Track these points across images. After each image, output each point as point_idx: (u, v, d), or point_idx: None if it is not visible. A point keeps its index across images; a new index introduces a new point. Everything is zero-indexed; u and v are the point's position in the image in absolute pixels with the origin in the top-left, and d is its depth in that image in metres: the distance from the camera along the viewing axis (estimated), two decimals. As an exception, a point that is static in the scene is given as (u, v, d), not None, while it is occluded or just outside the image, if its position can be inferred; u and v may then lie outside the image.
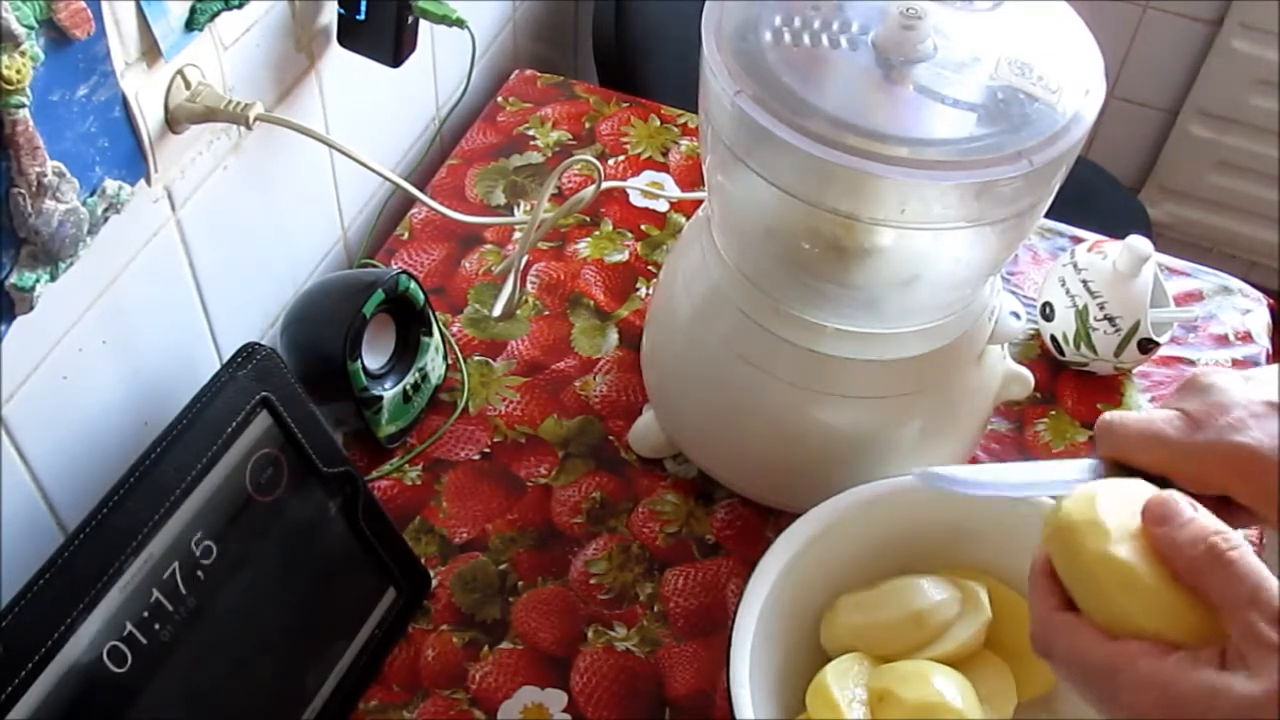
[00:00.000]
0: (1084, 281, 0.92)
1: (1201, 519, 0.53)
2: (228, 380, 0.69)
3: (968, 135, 0.66)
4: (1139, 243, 0.90)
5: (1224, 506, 0.57)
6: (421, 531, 0.86)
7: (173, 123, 0.72)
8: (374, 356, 0.87)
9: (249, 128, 0.74)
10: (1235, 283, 1.05)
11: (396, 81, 0.95)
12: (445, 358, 0.93)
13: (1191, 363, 0.99)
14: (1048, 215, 0.75)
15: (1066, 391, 0.96)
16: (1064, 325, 0.93)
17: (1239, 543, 0.51)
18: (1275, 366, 0.60)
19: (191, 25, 0.70)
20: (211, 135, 0.78)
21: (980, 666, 0.71)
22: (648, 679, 0.80)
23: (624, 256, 1.03)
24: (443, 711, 0.77)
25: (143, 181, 0.72)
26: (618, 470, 0.90)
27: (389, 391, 0.87)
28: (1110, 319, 0.91)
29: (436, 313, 0.92)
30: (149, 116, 0.70)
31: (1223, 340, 1.00)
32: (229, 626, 0.69)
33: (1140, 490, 0.57)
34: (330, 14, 0.87)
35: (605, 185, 1.06)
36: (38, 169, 0.59)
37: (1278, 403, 0.57)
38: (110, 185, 0.67)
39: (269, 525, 0.71)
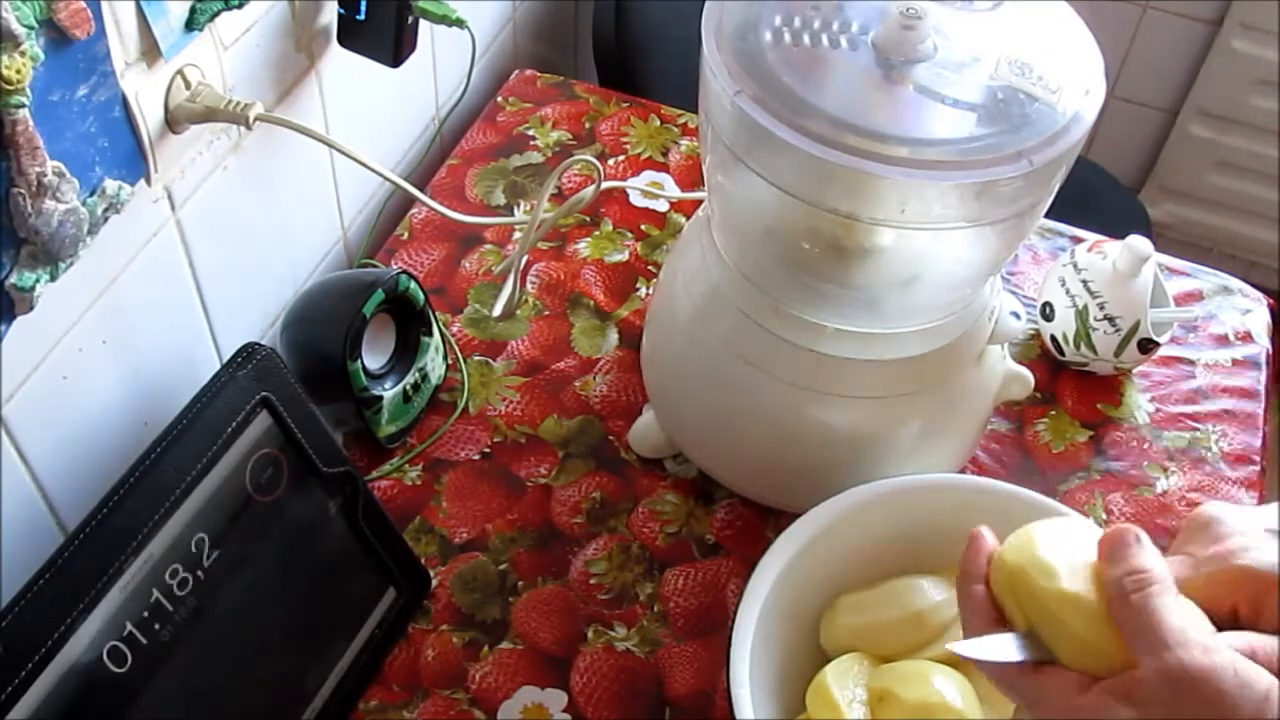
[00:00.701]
0: (1084, 281, 0.92)
1: (1135, 557, 0.54)
2: (228, 380, 0.69)
3: (968, 135, 0.66)
4: (1139, 243, 0.90)
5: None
6: (421, 531, 0.86)
7: (173, 123, 0.72)
8: (374, 356, 0.87)
9: (249, 128, 0.74)
10: (1235, 283, 1.05)
11: (396, 81, 0.95)
12: (445, 358, 0.93)
13: (1191, 363, 0.99)
14: (1048, 215, 0.75)
15: (1066, 391, 0.96)
16: (1064, 325, 0.93)
17: (1155, 587, 0.53)
18: (1276, 504, 0.62)
19: (191, 25, 0.70)
20: (211, 135, 0.78)
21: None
22: (648, 679, 0.80)
23: (624, 256, 1.03)
24: (443, 711, 0.77)
25: (143, 181, 0.72)
26: (618, 470, 0.90)
27: (389, 391, 0.87)
28: (1110, 319, 0.91)
29: (436, 313, 0.92)
30: (149, 116, 0.70)
31: (1223, 340, 1.00)
32: (229, 626, 0.69)
33: (1076, 526, 0.60)
34: (330, 14, 0.87)
35: (605, 185, 1.06)
36: (38, 169, 0.59)
37: (1277, 529, 0.59)
38: (110, 185, 0.67)
39: (269, 525, 0.71)
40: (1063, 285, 0.94)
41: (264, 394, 0.71)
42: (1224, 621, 0.56)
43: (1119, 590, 0.54)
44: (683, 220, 1.06)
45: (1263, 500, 0.91)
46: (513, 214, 1.06)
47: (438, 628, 0.81)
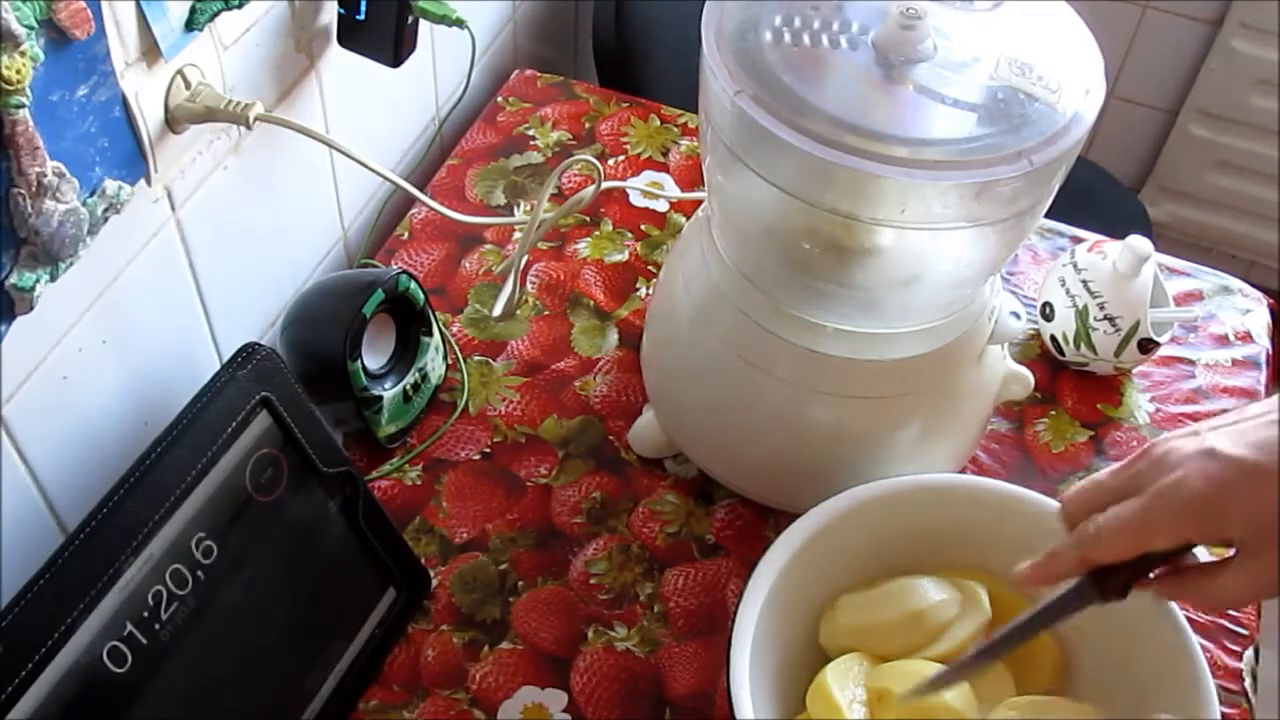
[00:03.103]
0: (1084, 281, 0.92)
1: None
2: (228, 380, 0.69)
3: (968, 135, 0.66)
4: (1139, 243, 0.90)
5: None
6: (421, 531, 0.86)
7: (173, 123, 0.72)
8: (374, 356, 0.87)
9: (249, 128, 0.74)
10: (1235, 283, 1.05)
11: (396, 81, 0.95)
12: (445, 358, 0.93)
13: (1191, 363, 0.99)
14: (1048, 215, 0.75)
15: (1066, 391, 0.96)
16: (1064, 325, 0.93)
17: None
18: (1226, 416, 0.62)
19: (191, 25, 0.70)
20: (211, 135, 0.78)
21: (980, 666, 0.71)
22: (648, 679, 0.80)
23: (624, 256, 1.03)
24: (443, 711, 0.77)
25: (143, 181, 0.72)
26: (618, 470, 0.90)
27: (389, 391, 0.87)
28: (1110, 319, 0.91)
29: (436, 313, 0.92)
30: (149, 116, 0.70)
31: (1223, 340, 1.00)
32: (229, 627, 0.69)
33: None
34: (330, 14, 0.87)
35: (605, 185, 1.06)
36: (38, 169, 0.59)
37: (1210, 448, 0.59)
38: (110, 185, 0.67)
39: (269, 525, 0.71)
40: (1063, 285, 0.94)
41: (264, 394, 0.71)
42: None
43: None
44: (683, 220, 1.06)
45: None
46: (513, 214, 1.06)
47: (438, 628, 0.81)
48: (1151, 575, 0.62)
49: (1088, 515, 0.62)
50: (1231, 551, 0.59)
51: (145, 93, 0.69)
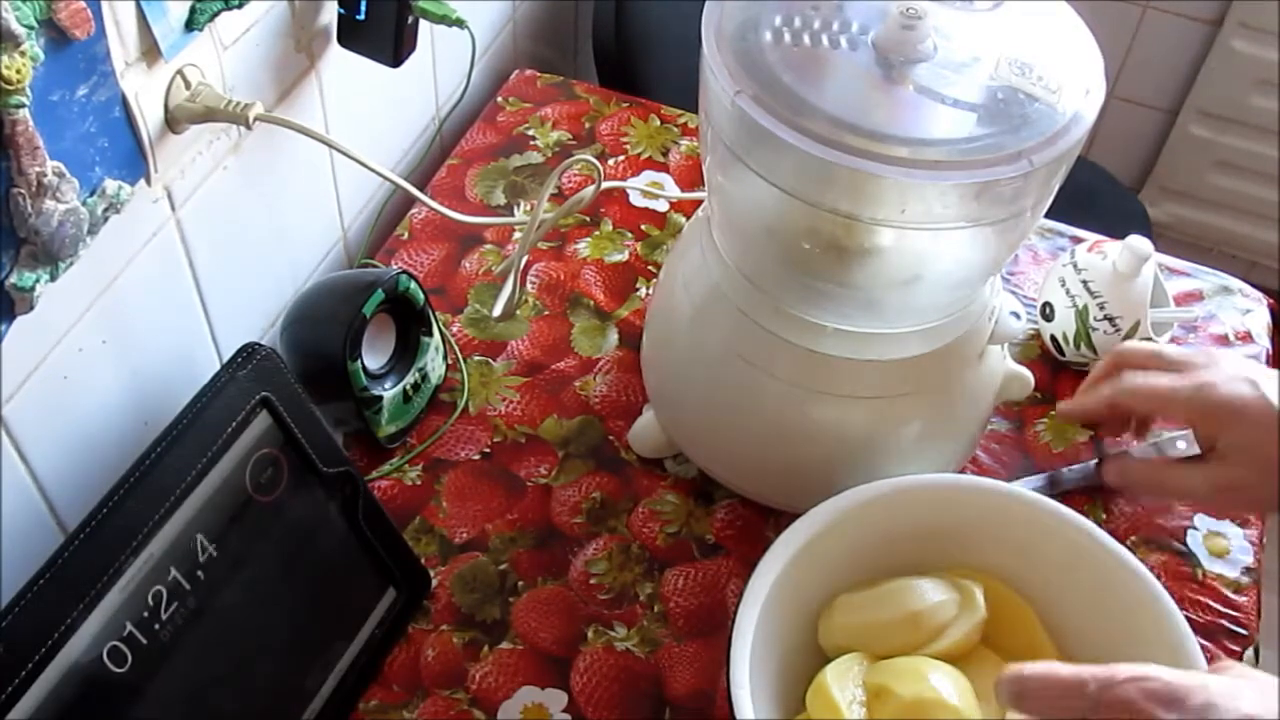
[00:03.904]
0: (1084, 281, 0.92)
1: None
2: (228, 380, 0.69)
3: (968, 135, 0.66)
4: (1139, 243, 0.90)
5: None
6: (421, 531, 0.86)
7: (173, 123, 0.72)
8: (374, 356, 0.87)
9: (249, 128, 0.74)
10: (1235, 283, 1.05)
11: (396, 81, 0.95)
12: (445, 358, 0.93)
13: (1191, 363, 0.99)
14: (1048, 215, 0.76)
15: (1066, 391, 0.96)
16: (1064, 325, 0.93)
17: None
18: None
19: (191, 25, 0.70)
20: (211, 135, 0.78)
21: (977, 663, 0.71)
22: (648, 679, 0.80)
23: (624, 256, 1.03)
24: (443, 711, 0.77)
25: (143, 181, 0.72)
26: (618, 470, 0.90)
27: (389, 391, 0.87)
28: (1110, 319, 0.91)
29: (436, 313, 0.92)
30: (149, 116, 0.70)
31: (1223, 340, 1.00)
32: (229, 627, 0.69)
33: None
34: (330, 14, 0.87)
35: (605, 185, 1.06)
36: (38, 169, 0.59)
37: (1254, 379, 0.70)
38: (110, 185, 0.67)
39: (269, 525, 0.71)
40: (1063, 285, 0.94)
41: (264, 394, 0.71)
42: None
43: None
44: (683, 220, 1.06)
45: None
46: (513, 214, 1.06)
47: (438, 628, 0.81)
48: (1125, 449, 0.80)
49: (1133, 369, 0.74)
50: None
51: (145, 93, 0.69)
